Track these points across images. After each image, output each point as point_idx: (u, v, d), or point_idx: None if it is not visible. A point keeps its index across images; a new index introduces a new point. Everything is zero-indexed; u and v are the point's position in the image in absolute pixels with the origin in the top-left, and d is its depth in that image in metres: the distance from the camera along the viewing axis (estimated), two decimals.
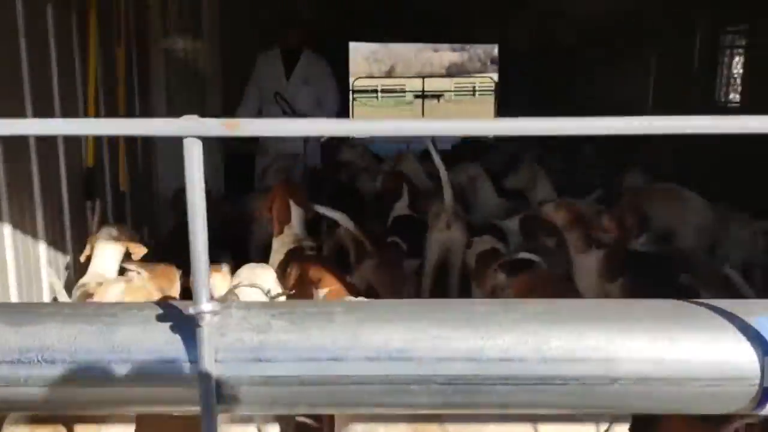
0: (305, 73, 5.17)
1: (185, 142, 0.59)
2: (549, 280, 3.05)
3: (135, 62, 4.44)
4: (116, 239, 3.05)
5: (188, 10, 5.34)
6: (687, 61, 7.51)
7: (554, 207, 3.54)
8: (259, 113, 5.29)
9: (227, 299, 0.59)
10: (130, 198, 4.33)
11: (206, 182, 0.75)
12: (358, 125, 0.64)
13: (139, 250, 3.07)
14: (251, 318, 0.61)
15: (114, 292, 2.42)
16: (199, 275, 0.59)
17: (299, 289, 3.15)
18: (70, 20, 3.60)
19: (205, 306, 0.59)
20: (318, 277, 3.11)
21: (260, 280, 2.83)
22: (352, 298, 2.75)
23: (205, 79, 5.57)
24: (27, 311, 0.66)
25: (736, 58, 7.43)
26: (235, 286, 2.80)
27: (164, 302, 0.64)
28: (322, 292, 3.04)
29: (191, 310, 0.59)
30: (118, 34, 4.11)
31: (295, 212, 3.58)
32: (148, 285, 2.62)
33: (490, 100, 15.46)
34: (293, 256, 3.39)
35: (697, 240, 4.13)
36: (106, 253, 3.01)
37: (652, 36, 8.08)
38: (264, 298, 2.76)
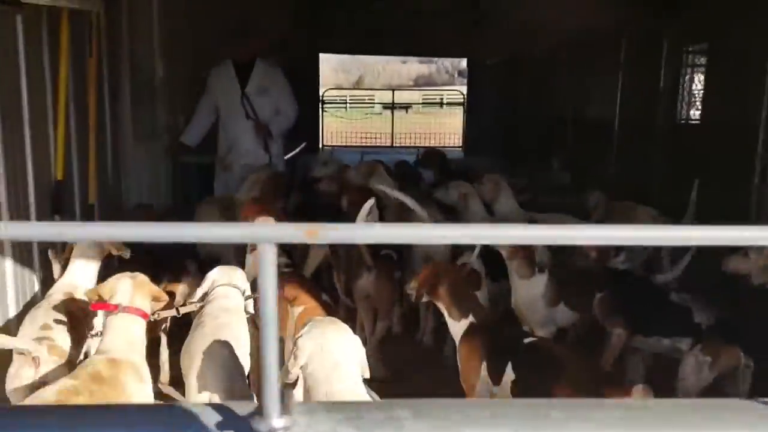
0: (260, 83, 5.08)
1: (260, 246, 0.58)
2: (452, 272, 2.99)
3: (105, 70, 4.38)
4: (96, 245, 2.98)
5: (146, 22, 5.27)
6: (651, 77, 7.66)
7: None
8: (214, 126, 5.22)
9: (290, 403, 0.55)
10: (98, 210, 4.25)
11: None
12: (434, 231, 0.64)
13: (123, 251, 3.04)
14: (316, 425, 0.59)
15: (124, 288, 2.41)
16: (269, 388, 0.56)
17: None
18: (41, 23, 3.54)
19: (276, 422, 0.57)
20: (293, 295, 3.08)
21: (235, 280, 2.83)
22: (322, 318, 2.73)
23: (156, 87, 5.48)
24: (76, 412, 0.62)
25: (697, 77, 7.60)
26: (213, 287, 2.79)
27: (223, 406, 0.61)
28: (297, 310, 3.01)
29: (262, 428, 0.57)
30: (89, 40, 4.07)
31: None
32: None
33: (458, 112, 15.65)
34: None
35: (655, 252, 4.26)
36: (83, 264, 2.93)
37: (618, 53, 8.24)
38: (241, 298, 2.76)
